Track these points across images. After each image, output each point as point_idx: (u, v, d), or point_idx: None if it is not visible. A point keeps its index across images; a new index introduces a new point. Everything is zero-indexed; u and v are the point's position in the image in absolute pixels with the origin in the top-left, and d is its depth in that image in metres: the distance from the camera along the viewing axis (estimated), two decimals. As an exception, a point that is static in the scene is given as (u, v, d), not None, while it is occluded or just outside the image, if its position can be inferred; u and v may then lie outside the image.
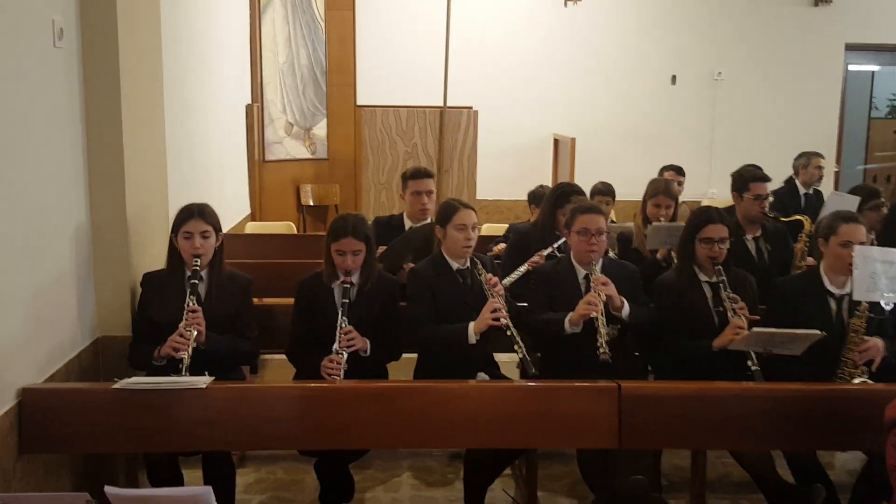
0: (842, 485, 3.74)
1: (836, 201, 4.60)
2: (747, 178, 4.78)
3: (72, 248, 3.42)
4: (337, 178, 9.00)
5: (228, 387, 3.09)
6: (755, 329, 3.48)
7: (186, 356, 3.24)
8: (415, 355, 3.92)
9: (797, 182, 6.90)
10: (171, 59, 4.68)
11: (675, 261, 4.53)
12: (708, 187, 9.08)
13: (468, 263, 3.85)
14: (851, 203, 4.49)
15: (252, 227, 6.80)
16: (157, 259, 3.77)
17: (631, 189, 8.78)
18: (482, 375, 3.81)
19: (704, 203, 8.96)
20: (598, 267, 3.81)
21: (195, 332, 3.33)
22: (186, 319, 3.35)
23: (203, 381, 3.01)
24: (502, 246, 5.24)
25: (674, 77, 8.93)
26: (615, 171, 8.85)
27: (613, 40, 8.88)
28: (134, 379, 3.05)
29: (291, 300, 3.84)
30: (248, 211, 7.65)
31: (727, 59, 8.92)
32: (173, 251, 3.60)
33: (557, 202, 4.61)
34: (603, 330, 3.56)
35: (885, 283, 3.39)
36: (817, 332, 3.42)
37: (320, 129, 8.91)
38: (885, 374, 3.50)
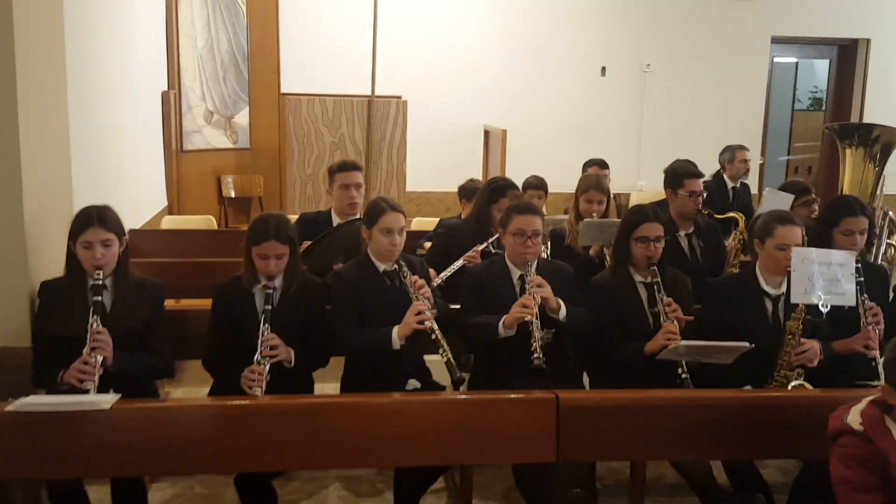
0: (775, 484, 3.71)
1: (771, 199, 4.57)
2: (681, 174, 4.72)
3: (-40, 252, 3.11)
4: (260, 169, 8.68)
5: (136, 406, 2.83)
6: (683, 342, 3.41)
7: (93, 387, 2.96)
8: (343, 359, 3.73)
9: (724, 176, 6.92)
10: (76, 40, 4.34)
11: (608, 258, 4.48)
12: (637, 179, 9.08)
13: (395, 265, 3.66)
14: (786, 201, 4.46)
15: (169, 222, 6.45)
16: (57, 262, 3.45)
17: (562, 181, 8.72)
18: (413, 383, 3.64)
19: (634, 195, 9.02)
20: (534, 267, 3.67)
21: (101, 358, 3.05)
22: (90, 343, 3.07)
23: (107, 400, 2.75)
24: (429, 245, 5.06)
25: (603, 69, 8.88)
26: (546, 163, 8.79)
27: (544, 31, 8.76)
28: (31, 399, 2.77)
29: (209, 303, 3.59)
30: (164, 203, 7.28)
31: (656, 51, 8.91)
32: (72, 258, 3.29)
33: (492, 197, 4.49)
34: (537, 334, 3.43)
35: (822, 286, 3.34)
36: (745, 343, 3.37)
37: (242, 118, 8.56)
38: (820, 376, 3.46)
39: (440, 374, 3.82)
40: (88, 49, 4.84)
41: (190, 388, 5.01)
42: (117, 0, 5.67)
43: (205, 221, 6.53)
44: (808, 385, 3.43)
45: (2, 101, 3.26)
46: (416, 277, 3.56)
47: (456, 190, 8.46)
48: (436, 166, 8.67)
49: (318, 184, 7.34)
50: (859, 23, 9.15)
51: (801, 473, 3.39)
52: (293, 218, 6.63)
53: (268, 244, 3.40)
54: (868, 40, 9.21)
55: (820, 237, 3.87)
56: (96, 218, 3.26)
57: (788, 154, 10.21)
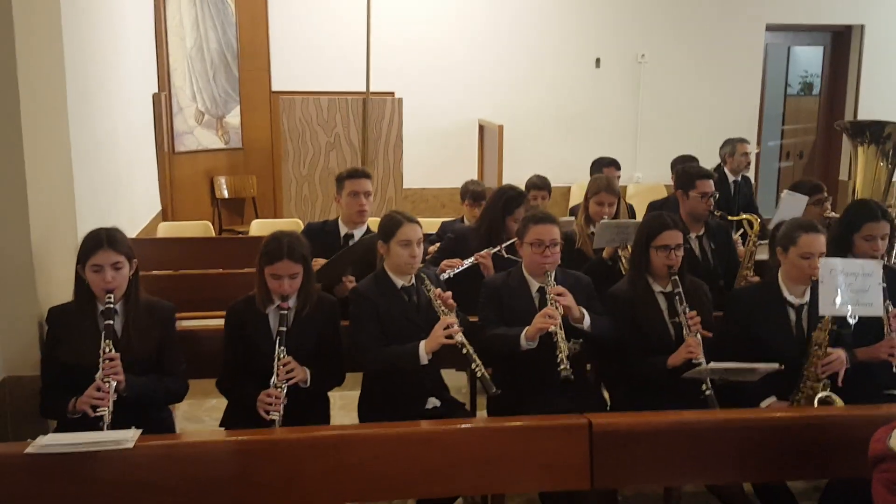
0: (797, 490, 3.67)
1: (789, 201, 4.52)
2: (693, 175, 4.66)
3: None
4: (253, 169, 8.55)
5: (157, 444, 2.73)
6: (710, 364, 3.36)
7: (107, 412, 2.88)
8: (358, 374, 3.65)
9: (725, 170, 6.85)
10: (74, 50, 4.22)
11: (622, 260, 4.42)
12: (634, 171, 9.02)
13: (413, 280, 3.57)
14: (801, 202, 4.41)
15: (165, 229, 6.32)
16: (63, 286, 3.35)
17: (557, 174, 8.67)
18: (433, 401, 3.57)
19: (630, 187, 8.97)
20: (552, 277, 3.60)
21: (114, 384, 2.97)
22: (103, 369, 2.98)
23: (129, 438, 2.65)
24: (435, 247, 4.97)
25: (598, 60, 8.79)
26: (541, 156, 8.75)
27: (538, 23, 8.66)
28: (49, 438, 2.67)
29: (211, 314, 3.51)
30: (158, 208, 7.16)
31: (650, 41, 8.83)
32: (81, 283, 3.19)
33: (507, 208, 4.42)
34: (563, 345, 3.36)
35: (850, 297, 3.29)
36: (774, 365, 3.34)
37: (234, 118, 8.43)
38: (845, 384, 3.42)
39: (455, 389, 3.76)
40: (85, 59, 4.71)
41: (194, 401, 4.95)
42: (111, 7, 5.51)
43: (201, 227, 6.42)
44: (834, 396, 3.39)
45: (6, 122, 3.14)
46: (439, 290, 3.47)
47: (451, 186, 8.45)
48: (431, 162, 8.58)
49: (313, 185, 7.23)
50: (853, 9, 9.10)
51: (825, 492, 3.35)
52: (295, 220, 6.68)
53: (281, 264, 3.32)
54: (862, 26, 9.17)
55: (841, 241, 3.82)
56: (106, 240, 3.16)
57: (782, 139, 10.20)
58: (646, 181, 9.02)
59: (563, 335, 3.40)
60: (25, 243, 3.27)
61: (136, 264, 3.27)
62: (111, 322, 3.11)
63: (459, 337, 3.30)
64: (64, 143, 3.79)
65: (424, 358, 3.36)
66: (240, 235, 7.88)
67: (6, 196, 3.21)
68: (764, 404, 3.49)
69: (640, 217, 6.20)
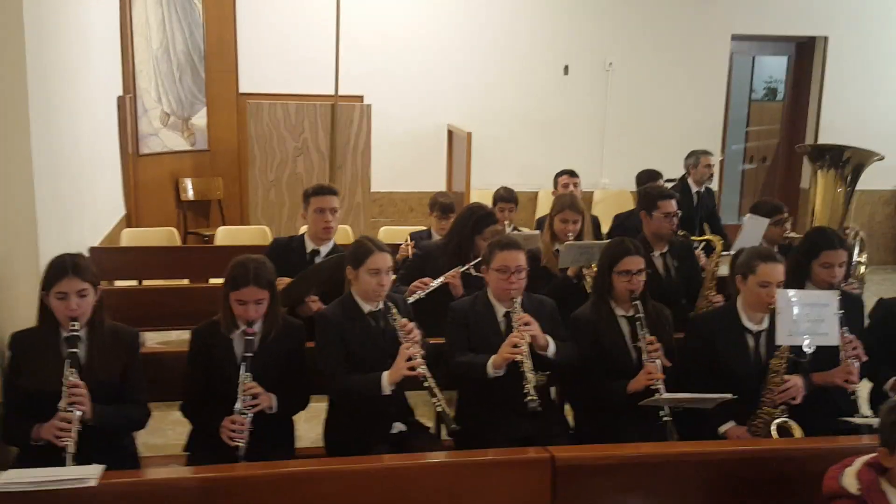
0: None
1: (751, 224, 4.61)
2: (655, 196, 4.74)
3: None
4: (219, 171, 8.48)
5: (120, 481, 2.71)
6: (666, 395, 3.44)
7: (71, 443, 2.86)
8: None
9: (689, 181, 6.94)
10: (36, 57, 4.15)
11: (587, 279, 4.48)
12: (600, 177, 9.10)
13: (381, 305, 3.59)
14: (762, 225, 4.50)
15: (129, 236, 6.25)
16: (26, 307, 3.31)
17: (525, 179, 8.77)
18: (398, 426, 3.59)
19: (597, 193, 9.05)
20: (518, 303, 3.64)
21: (79, 413, 2.95)
22: (67, 397, 2.96)
23: (92, 474, 2.64)
24: (400, 257, 4.99)
25: (566, 67, 8.84)
26: (509, 161, 8.80)
27: (506, 30, 8.67)
28: (10, 474, 2.65)
29: (174, 331, 3.49)
30: (123, 212, 7.07)
31: (618, 49, 8.89)
32: (45, 309, 3.17)
33: (476, 228, 4.47)
34: (530, 375, 3.41)
35: (806, 327, 3.37)
36: (727, 395, 3.44)
37: (200, 119, 8.34)
38: (802, 408, 3.50)
39: (426, 402, 3.76)
40: (49, 68, 4.62)
41: (157, 412, 4.89)
42: (76, 9, 5.41)
43: (166, 234, 6.36)
44: (791, 421, 3.48)
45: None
46: (405, 321, 3.50)
47: (419, 190, 8.48)
48: (399, 166, 8.58)
49: (280, 190, 7.20)
50: (818, 21, 9.24)
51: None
52: (262, 228, 6.66)
53: (247, 290, 3.32)
54: (826, 38, 9.32)
55: (799, 268, 3.91)
56: (71, 268, 3.14)
57: (746, 142, 10.35)
58: (613, 187, 9.11)
59: (530, 365, 3.44)
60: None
61: (100, 291, 3.26)
62: (76, 350, 3.10)
63: (422, 370, 3.34)
64: (25, 156, 3.74)
65: (387, 388, 3.40)
66: (205, 240, 7.83)
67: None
68: (723, 429, 3.58)
69: (604, 227, 6.33)
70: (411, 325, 3.51)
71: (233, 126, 8.42)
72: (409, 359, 3.36)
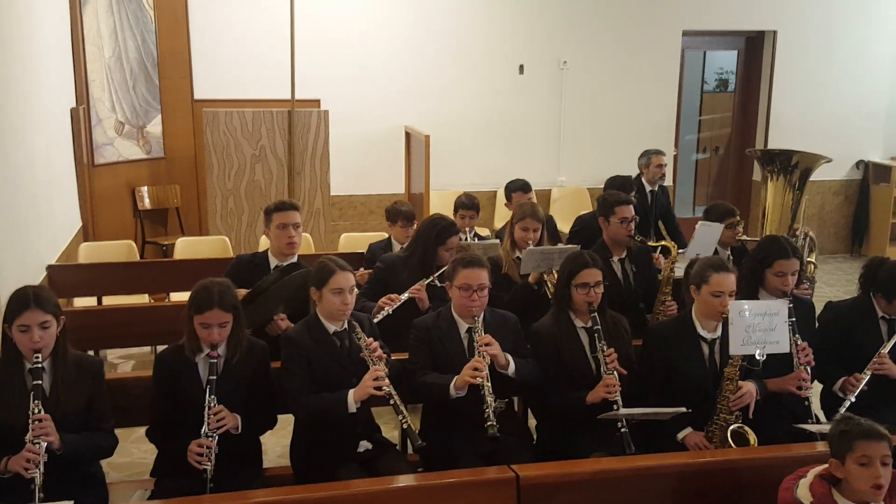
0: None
1: (703, 231, 4.72)
2: (612, 202, 4.83)
3: None
4: (176, 178, 8.40)
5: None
6: (623, 411, 3.55)
7: (38, 475, 2.87)
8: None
9: (642, 180, 7.04)
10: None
11: (548, 284, 4.56)
12: (557, 175, 9.20)
13: (345, 325, 3.64)
14: (716, 230, 4.61)
15: (86, 251, 6.18)
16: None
17: (484, 179, 8.84)
18: (365, 444, 3.65)
19: (554, 191, 9.16)
20: (481, 320, 3.71)
21: (45, 445, 2.96)
22: (33, 430, 2.97)
23: (62, 513, 2.67)
24: (363, 272, 5.02)
25: (521, 67, 8.90)
26: (467, 161, 8.86)
27: (461, 30, 8.70)
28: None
29: (136, 350, 3.49)
30: (79, 224, 6.98)
31: (572, 48, 8.97)
32: (7, 341, 3.17)
33: (438, 239, 4.52)
34: (490, 399, 3.48)
35: (759, 336, 3.49)
36: (682, 409, 3.55)
37: (155, 127, 8.25)
38: (757, 413, 3.62)
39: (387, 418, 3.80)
40: (0, 84, 4.57)
41: (121, 430, 4.88)
42: (27, 22, 5.33)
43: (124, 248, 6.30)
44: (746, 427, 3.60)
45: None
46: (370, 339, 3.55)
47: (379, 193, 8.49)
48: (358, 169, 8.59)
49: (239, 198, 7.17)
50: (766, 16, 9.42)
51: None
52: (222, 238, 6.63)
53: (211, 313, 3.35)
54: (775, 32, 9.50)
55: (753, 276, 4.03)
56: (33, 300, 3.15)
57: (699, 132, 10.51)
58: (569, 184, 9.22)
59: (490, 388, 3.51)
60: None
61: (63, 321, 3.25)
62: (40, 382, 3.11)
63: (387, 388, 3.40)
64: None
65: (353, 406, 3.45)
66: (164, 250, 7.77)
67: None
68: (681, 435, 3.69)
69: (560, 225, 6.41)
70: (376, 343, 3.57)
71: (188, 133, 8.34)
72: (376, 378, 3.41)
